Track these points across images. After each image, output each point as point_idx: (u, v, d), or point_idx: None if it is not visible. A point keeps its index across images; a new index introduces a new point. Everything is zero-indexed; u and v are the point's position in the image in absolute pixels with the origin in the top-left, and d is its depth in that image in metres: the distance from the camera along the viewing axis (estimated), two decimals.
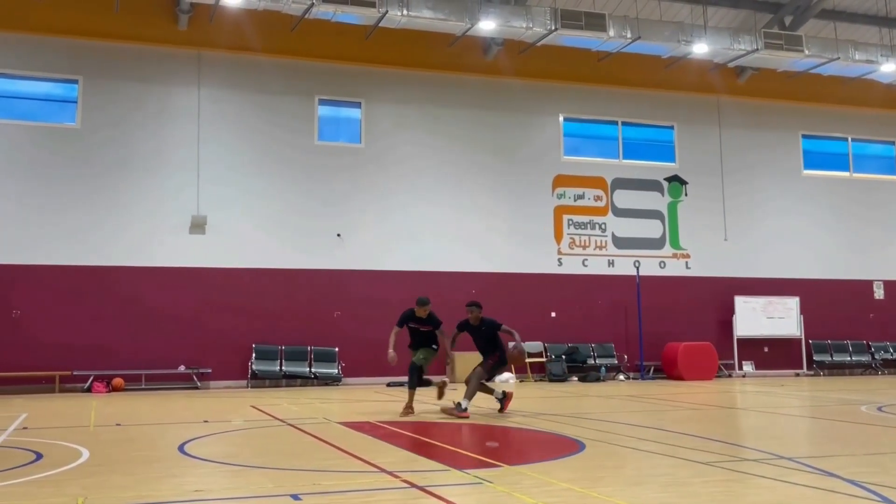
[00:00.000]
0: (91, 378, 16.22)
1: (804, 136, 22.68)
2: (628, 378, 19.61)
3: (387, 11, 16.51)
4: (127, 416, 11.20)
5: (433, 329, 10.87)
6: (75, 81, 17.27)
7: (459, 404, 10.37)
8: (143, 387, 16.56)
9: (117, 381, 16.24)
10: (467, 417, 10.22)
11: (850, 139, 23.04)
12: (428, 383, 11.14)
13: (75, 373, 16.24)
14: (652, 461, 6.79)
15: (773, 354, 21.14)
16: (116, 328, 16.62)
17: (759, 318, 20.82)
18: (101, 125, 17.25)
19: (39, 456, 7.14)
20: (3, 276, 16.20)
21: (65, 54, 17.17)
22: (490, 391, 11.03)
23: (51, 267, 16.49)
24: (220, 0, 15.81)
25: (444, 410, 10.51)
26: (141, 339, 16.71)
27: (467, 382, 10.74)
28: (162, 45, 17.72)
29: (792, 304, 21.12)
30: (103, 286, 16.73)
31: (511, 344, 10.86)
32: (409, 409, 10.63)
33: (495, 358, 10.78)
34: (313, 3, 16.00)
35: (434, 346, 10.97)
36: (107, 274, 16.81)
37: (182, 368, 16.87)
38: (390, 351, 10.68)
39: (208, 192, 17.63)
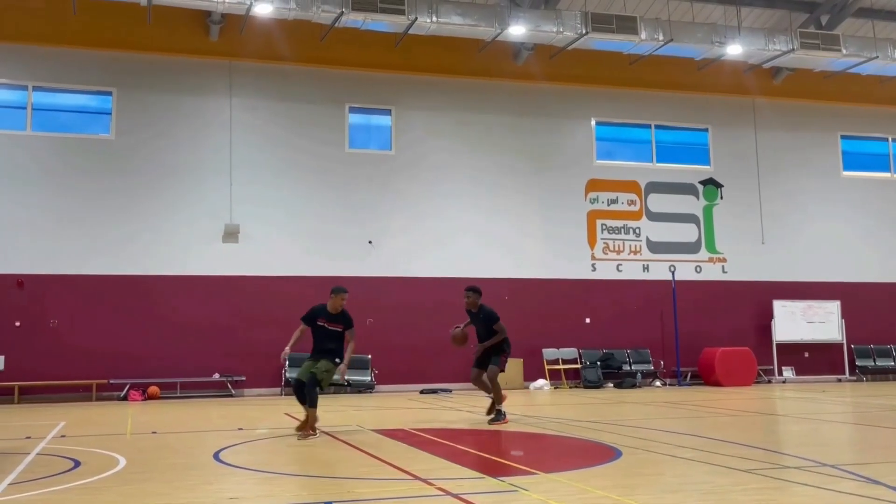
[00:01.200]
0: (127, 386, 16.40)
1: (843, 137, 22.27)
2: (665, 384, 19.34)
3: (416, 18, 16.53)
4: (162, 423, 11.28)
5: (343, 329, 9.44)
6: (109, 93, 17.53)
7: (499, 412, 10.27)
8: (178, 395, 16.70)
9: (153, 389, 16.40)
10: (507, 422, 10.17)
11: (890, 139, 22.57)
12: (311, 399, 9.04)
13: (112, 381, 16.44)
14: (690, 469, 6.66)
15: (813, 360, 20.72)
16: (151, 337, 16.78)
17: (798, 322, 20.43)
18: (135, 136, 17.48)
19: (78, 463, 7.20)
20: (41, 286, 16.46)
21: (99, 67, 17.44)
22: (489, 391, 10.64)
23: (86, 276, 16.72)
24: (251, 10, 15.94)
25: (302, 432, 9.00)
26: (176, 347, 16.86)
27: (487, 387, 10.43)
28: (194, 56, 17.92)
29: (832, 308, 20.70)
30: (138, 295, 16.92)
31: (458, 326, 10.70)
32: (310, 429, 8.93)
33: (501, 351, 10.53)
34: (343, 12, 16.07)
35: (337, 360, 9.24)
36: (142, 283, 17.00)
37: (216, 376, 16.98)
38: (286, 349, 9.39)
39: (241, 200, 17.76)
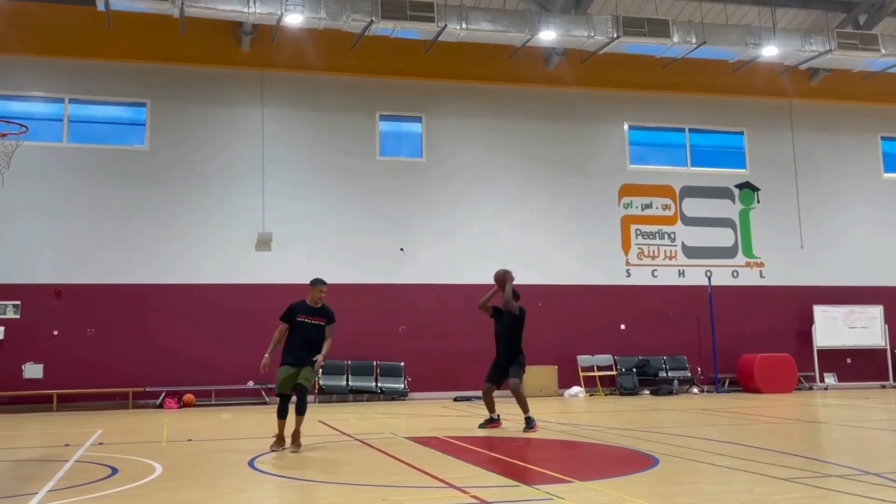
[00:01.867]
0: (163, 394, 16.56)
1: (883, 138, 21.80)
2: (702, 391, 19.04)
3: (445, 25, 16.53)
4: (198, 431, 11.36)
5: (325, 324, 8.85)
6: (143, 104, 17.77)
7: (529, 419, 10.25)
8: (213, 402, 16.81)
9: (188, 396, 16.54)
10: (536, 430, 10.16)
11: None
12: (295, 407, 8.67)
13: (148, 389, 16.59)
14: (729, 477, 6.53)
15: (856, 366, 20.26)
16: (186, 345, 16.91)
17: (840, 327, 20.00)
18: (169, 146, 17.69)
19: (115, 471, 7.27)
20: (78, 296, 16.68)
21: (133, 79, 17.68)
22: (492, 408, 10.75)
23: (122, 286, 16.91)
24: (282, 20, 16.07)
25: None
26: (210, 355, 16.97)
27: (493, 403, 10.67)
28: (226, 67, 18.11)
29: (875, 312, 20.24)
30: (172, 304, 17.07)
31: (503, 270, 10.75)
32: (281, 441, 8.65)
33: (520, 364, 10.57)
34: (373, 20, 16.13)
35: (313, 361, 8.67)
36: (176, 292, 17.15)
37: (251, 384, 17.07)
38: (266, 356, 8.82)
39: (273, 209, 17.88)
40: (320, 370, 8.80)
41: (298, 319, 8.82)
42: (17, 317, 16.44)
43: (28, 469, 7.88)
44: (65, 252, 16.80)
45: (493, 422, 10.72)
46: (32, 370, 16.26)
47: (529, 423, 10.25)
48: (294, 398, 8.70)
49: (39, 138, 16.19)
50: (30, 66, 17.21)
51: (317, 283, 8.96)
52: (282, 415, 8.66)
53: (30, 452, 9.54)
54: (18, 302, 16.48)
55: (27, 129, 8.90)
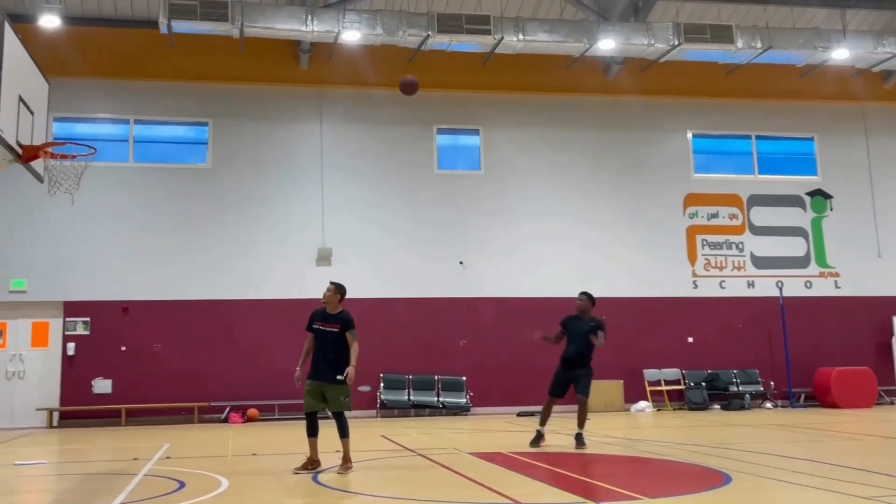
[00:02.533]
0: (227, 409, 16.73)
1: None
2: (776, 406, 18.37)
3: (502, 38, 16.44)
4: (262, 446, 11.41)
5: (341, 330, 8.48)
6: (205, 124, 18.13)
7: (580, 436, 10.03)
8: (277, 417, 16.91)
9: (252, 411, 16.67)
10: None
11: None
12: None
13: (213, 403, 16.79)
14: (807, 496, 6.23)
15: None
16: (250, 360, 17.06)
17: None
18: (230, 164, 17.97)
19: (182, 485, 7.32)
20: (144, 312, 17.01)
21: (195, 98, 18.04)
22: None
23: (187, 301, 17.19)
24: (339, 38, 16.20)
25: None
26: (273, 370, 17.08)
27: (548, 415, 10.41)
28: (285, 85, 18.36)
29: None
30: (236, 320, 17.27)
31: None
32: (312, 463, 8.35)
33: (588, 370, 10.26)
34: (429, 35, 16.15)
35: (339, 377, 8.27)
36: (239, 307, 17.34)
37: None
38: (297, 369, 8.68)
39: (333, 224, 17.99)
40: (349, 379, 8.37)
41: (314, 327, 8.52)
42: (87, 333, 16.84)
43: (99, 482, 7.99)
44: (131, 269, 17.15)
45: (541, 437, 10.35)
46: (102, 385, 16.62)
47: (581, 441, 9.98)
48: (326, 413, 8.48)
49: (106, 158, 16.60)
50: (96, 89, 17.69)
51: (336, 289, 8.71)
52: (310, 433, 8.33)
53: (100, 466, 9.70)
54: (88, 318, 16.87)
55: (95, 150, 9.12)
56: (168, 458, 9.81)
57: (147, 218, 17.46)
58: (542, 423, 10.40)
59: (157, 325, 16.99)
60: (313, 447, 8.32)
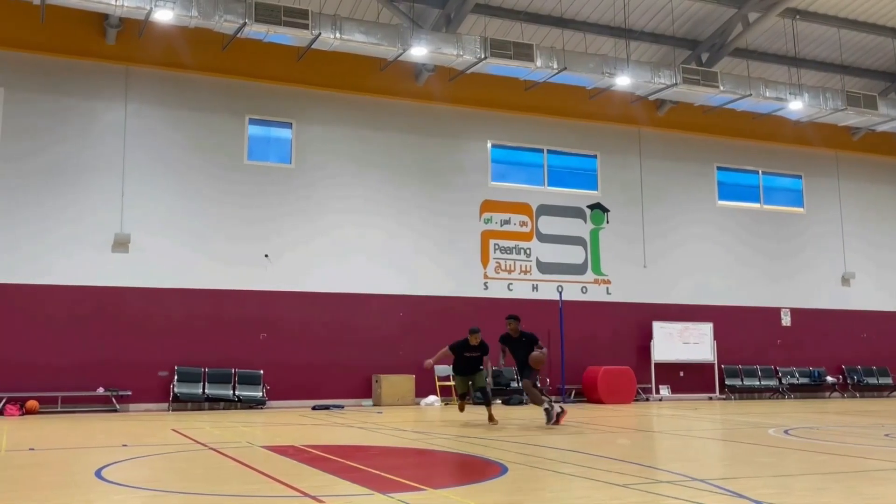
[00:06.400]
0: (3, 400, 15.60)
1: (719, 168, 23.63)
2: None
3: (319, 34, 16.59)
4: (41, 440, 10.86)
5: (481, 355, 12.98)
6: None
7: (548, 411, 12.13)
8: (59, 410, 16.02)
9: (31, 403, 15.66)
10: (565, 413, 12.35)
11: (760, 172, 24.13)
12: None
13: None
14: (572, 483, 7.00)
15: (688, 379, 21.84)
16: (31, 348, 16.05)
17: (675, 343, 21.50)
18: (24, 137, 16.75)
19: None
20: None
21: None
22: (542, 402, 12.44)
23: None
24: (151, 16, 15.61)
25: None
26: (57, 359, 16.19)
27: (532, 398, 12.68)
28: (89, 59, 17.36)
29: (706, 329, 21.89)
30: (19, 305, 16.17)
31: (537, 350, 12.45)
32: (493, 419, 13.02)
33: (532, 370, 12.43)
34: (245, 23, 15.97)
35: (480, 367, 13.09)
36: (23, 292, 16.25)
37: (101, 390, 16.40)
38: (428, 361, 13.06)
39: (133, 209, 17.28)
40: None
41: (465, 355, 13.07)
42: None
43: None
44: None
45: (560, 414, 12.46)
46: None
47: (550, 414, 12.16)
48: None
49: None
50: None
51: (472, 332, 13.04)
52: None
53: None
54: None
55: None
56: None
57: None
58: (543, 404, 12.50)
59: None
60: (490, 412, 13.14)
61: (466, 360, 12.94)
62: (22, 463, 8.50)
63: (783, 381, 22.75)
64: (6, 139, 16.68)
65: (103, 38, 17.38)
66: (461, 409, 13.72)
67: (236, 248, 18.02)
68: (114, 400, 16.43)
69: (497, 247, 20.64)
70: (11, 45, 16.76)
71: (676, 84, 19.49)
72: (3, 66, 16.76)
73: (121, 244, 17.07)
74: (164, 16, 15.68)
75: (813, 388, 23.14)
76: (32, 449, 9.71)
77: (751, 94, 20.24)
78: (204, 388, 17.13)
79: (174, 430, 12.00)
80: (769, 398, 22.49)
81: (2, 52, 16.76)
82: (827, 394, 23.40)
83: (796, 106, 20.81)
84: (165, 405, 16.85)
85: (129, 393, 16.63)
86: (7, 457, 9.01)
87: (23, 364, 15.92)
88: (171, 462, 8.54)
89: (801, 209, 24.48)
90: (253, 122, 18.82)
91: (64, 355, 16.26)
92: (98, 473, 7.40)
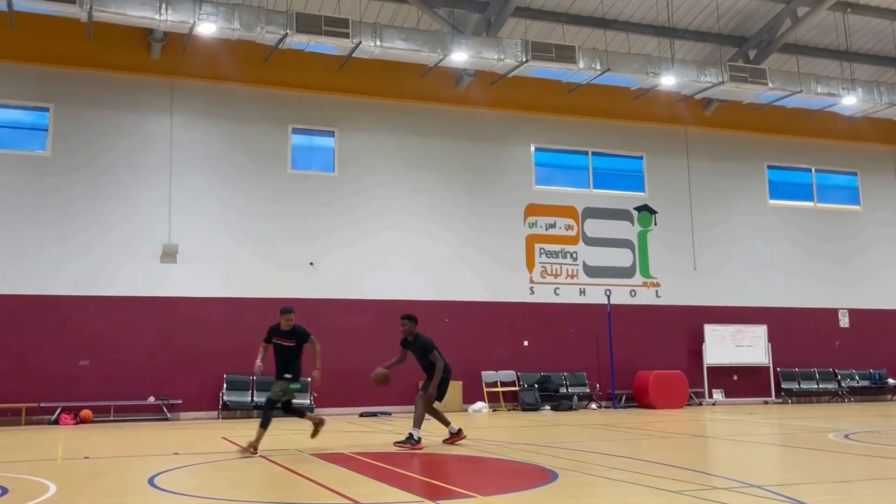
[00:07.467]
0: (58, 410, 15.93)
1: (769, 167, 23.14)
2: (600, 407, 19.68)
3: (360, 42, 16.66)
4: (95, 448, 11.03)
5: (297, 343, 10.33)
6: (46, 109, 17.16)
7: (411, 436, 10.07)
8: (112, 418, 16.30)
9: (85, 412, 15.96)
10: (421, 448, 10.00)
11: (813, 170, 23.55)
12: (301, 414, 10.81)
13: (42, 405, 15.95)
14: (624, 490, 6.85)
15: (741, 382, 21.36)
16: (84, 358, 16.35)
17: (728, 346, 21.05)
18: (73, 153, 17.14)
19: (5, 490, 7.01)
20: None
21: (36, 82, 17.08)
22: (446, 422, 10.76)
23: (19, 297, 16.25)
24: (194, 30, 15.85)
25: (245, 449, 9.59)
26: (110, 369, 16.47)
27: (416, 414, 10.41)
28: (134, 74, 17.70)
29: (760, 332, 21.39)
30: (71, 317, 16.50)
31: (383, 367, 10.67)
32: (253, 447, 9.66)
33: (429, 381, 10.53)
34: (287, 34, 16.11)
35: (287, 375, 10.22)
36: (74, 304, 16.59)
37: (152, 399, 16.65)
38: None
39: (180, 220, 17.54)
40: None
41: (274, 341, 10.60)
42: None
43: None
44: None
45: (456, 434, 10.67)
46: None
47: (411, 439, 10.06)
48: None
49: None
50: None
51: (284, 312, 10.52)
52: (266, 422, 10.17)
53: None
54: None
55: None
56: None
57: None
58: (446, 423, 10.72)
59: None
60: (259, 436, 9.98)
61: (279, 350, 10.41)
62: (79, 471, 8.62)
63: (842, 384, 22.11)
64: (56, 154, 17.07)
65: (148, 52, 17.72)
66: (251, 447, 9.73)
67: (281, 256, 18.16)
68: (164, 409, 16.65)
69: (542, 251, 20.47)
70: (60, 62, 17.16)
71: (723, 82, 19.15)
72: (52, 84, 17.18)
73: (169, 255, 17.33)
74: (207, 29, 15.91)
75: (874, 391, 22.44)
76: (87, 457, 9.86)
77: (801, 91, 19.80)
78: (252, 396, 17.26)
79: (224, 437, 12.09)
80: (828, 402, 21.87)
81: (51, 70, 17.17)
82: (889, 396, 22.66)
83: (850, 101, 20.29)
84: (215, 413, 17.03)
85: (180, 401, 16.84)
86: (64, 465, 9.16)
87: (76, 375, 16.22)
88: (221, 470, 8.58)
89: (857, 207, 23.81)
90: (296, 131, 18.98)
91: (115, 365, 16.53)
92: (151, 481, 7.48)
